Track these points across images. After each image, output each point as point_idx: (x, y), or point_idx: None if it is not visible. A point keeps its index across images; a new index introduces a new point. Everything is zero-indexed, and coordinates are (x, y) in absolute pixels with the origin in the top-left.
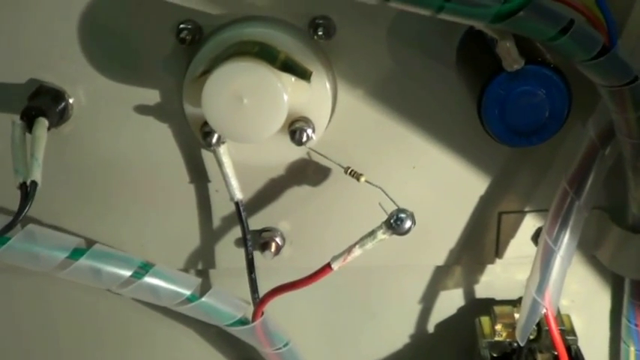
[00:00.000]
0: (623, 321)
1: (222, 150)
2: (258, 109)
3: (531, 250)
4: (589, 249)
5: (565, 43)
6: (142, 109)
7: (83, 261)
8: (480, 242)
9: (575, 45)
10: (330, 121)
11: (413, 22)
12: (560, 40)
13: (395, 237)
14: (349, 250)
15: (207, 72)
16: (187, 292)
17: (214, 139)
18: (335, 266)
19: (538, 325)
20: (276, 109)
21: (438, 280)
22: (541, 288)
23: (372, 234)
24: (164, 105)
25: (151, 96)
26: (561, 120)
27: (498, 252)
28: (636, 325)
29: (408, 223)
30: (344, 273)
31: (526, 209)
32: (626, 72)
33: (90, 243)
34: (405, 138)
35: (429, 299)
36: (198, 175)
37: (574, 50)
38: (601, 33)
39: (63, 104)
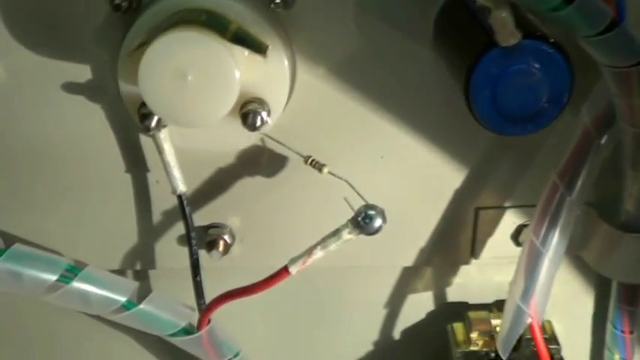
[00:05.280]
0: (608, 326)
1: (163, 135)
2: (205, 88)
3: (511, 249)
4: (573, 248)
5: (569, 15)
6: (71, 87)
7: (1, 264)
8: (454, 241)
9: (581, 17)
10: (287, 102)
11: None
12: (565, 10)
13: (361, 236)
14: (309, 251)
15: (145, 44)
16: (123, 299)
17: (153, 123)
18: (293, 270)
19: None
20: (226, 88)
21: (407, 283)
22: (527, 295)
23: (336, 233)
24: (96, 82)
25: (82, 72)
26: (561, 104)
27: (474, 252)
28: (622, 332)
29: (377, 222)
30: (301, 274)
31: (506, 205)
32: (635, 51)
33: (9, 242)
34: (372, 124)
35: (395, 303)
36: (136, 164)
37: (579, 23)
38: (609, 5)
39: None
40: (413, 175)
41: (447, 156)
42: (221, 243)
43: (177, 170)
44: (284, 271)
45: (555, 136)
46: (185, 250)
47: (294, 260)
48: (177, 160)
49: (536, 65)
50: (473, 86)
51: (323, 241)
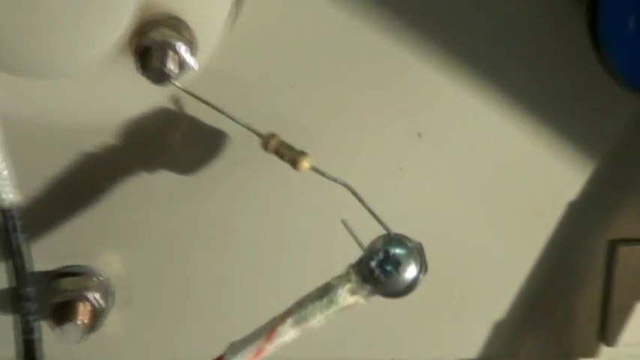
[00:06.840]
0: None
1: None
2: (71, 3)
3: None
4: None
5: None
6: None
7: None
8: (566, 311)
9: None
10: (231, 27)
11: None
12: None
13: (379, 299)
14: (270, 328)
15: None
16: None
17: None
18: None
19: None
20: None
21: None
22: None
23: (326, 293)
24: None
25: None
26: None
27: (607, 333)
28: None
29: (410, 271)
30: None
31: None
32: None
33: None
34: (393, 76)
35: None
36: None
37: None
38: None
39: None
40: (479, 177)
41: (551, 142)
42: (83, 307)
43: (3, 162)
44: None
45: None
46: (8, 322)
47: (237, 347)
48: (4, 140)
49: None
50: (604, 9)
51: (298, 308)
